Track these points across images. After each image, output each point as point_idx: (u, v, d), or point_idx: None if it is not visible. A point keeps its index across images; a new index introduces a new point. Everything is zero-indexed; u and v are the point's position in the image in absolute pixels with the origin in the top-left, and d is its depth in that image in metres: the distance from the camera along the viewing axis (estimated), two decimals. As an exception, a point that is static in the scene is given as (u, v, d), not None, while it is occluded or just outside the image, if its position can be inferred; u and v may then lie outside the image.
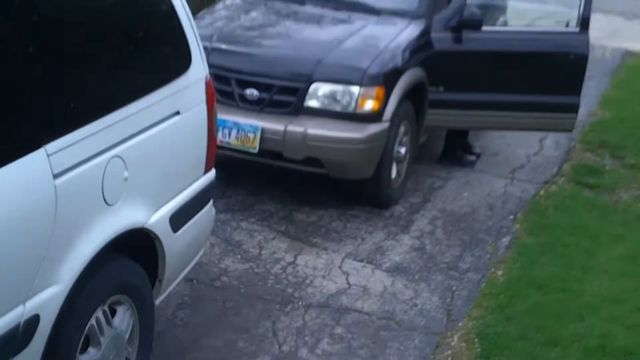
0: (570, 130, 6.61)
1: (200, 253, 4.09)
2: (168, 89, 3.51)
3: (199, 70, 3.77)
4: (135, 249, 3.44)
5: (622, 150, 7.34)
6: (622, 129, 7.90)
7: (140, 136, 3.29)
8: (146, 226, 3.36)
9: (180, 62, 3.67)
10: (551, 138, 7.46)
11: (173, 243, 3.60)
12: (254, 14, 6.25)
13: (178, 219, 3.62)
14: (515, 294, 4.90)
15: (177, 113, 3.56)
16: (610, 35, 11.43)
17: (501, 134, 7.44)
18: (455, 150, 6.83)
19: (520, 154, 7.19)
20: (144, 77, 3.43)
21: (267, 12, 6.26)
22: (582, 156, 7.23)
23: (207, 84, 3.84)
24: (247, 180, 6.14)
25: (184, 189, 3.70)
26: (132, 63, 3.38)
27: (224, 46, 5.67)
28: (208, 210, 3.99)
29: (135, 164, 3.24)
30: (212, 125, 3.86)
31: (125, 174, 3.19)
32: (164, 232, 3.50)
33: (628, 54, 10.91)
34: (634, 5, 13.25)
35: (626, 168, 7.03)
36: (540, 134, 7.42)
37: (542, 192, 6.44)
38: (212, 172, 3.97)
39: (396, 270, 5.15)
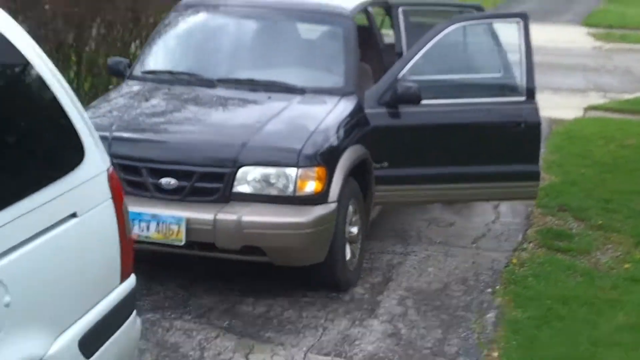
0: (534, 198, 6.29)
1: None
2: (54, 189, 2.88)
3: (96, 163, 3.14)
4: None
5: (585, 212, 6.69)
6: (575, 191, 7.28)
7: (23, 249, 2.68)
8: (46, 358, 2.75)
9: (68, 156, 3.06)
10: (506, 205, 6.76)
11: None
12: (157, 99, 5.58)
13: (91, 342, 3.01)
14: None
15: (74, 215, 2.95)
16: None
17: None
18: None
19: (478, 223, 6.45)
20: (17, 179, 2.75)
21: (173, 97, 5.60)
22: (544, 221, 6.53)
23: (111, 178, 3.18)
24: (174, 271, 5.18)
25: (95, 304, 3.09)
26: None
27: (128, 134, 5.08)
28: (130, 324, 3.31)
29: (19, 284, 2.65)
30: (124, 225, 3.22)
31: (6, 298, 2.58)
32: (72, 360, 2.80)
33: (553, 122, 10.55)
34: (545, 80, 13.06)
35: (595, 230, 6.36)
36: (493, 202, 6.71)
37: (514, 261, 5.68)
38: (131, 279, 3.31)
39: (372, 362, 4.24)
